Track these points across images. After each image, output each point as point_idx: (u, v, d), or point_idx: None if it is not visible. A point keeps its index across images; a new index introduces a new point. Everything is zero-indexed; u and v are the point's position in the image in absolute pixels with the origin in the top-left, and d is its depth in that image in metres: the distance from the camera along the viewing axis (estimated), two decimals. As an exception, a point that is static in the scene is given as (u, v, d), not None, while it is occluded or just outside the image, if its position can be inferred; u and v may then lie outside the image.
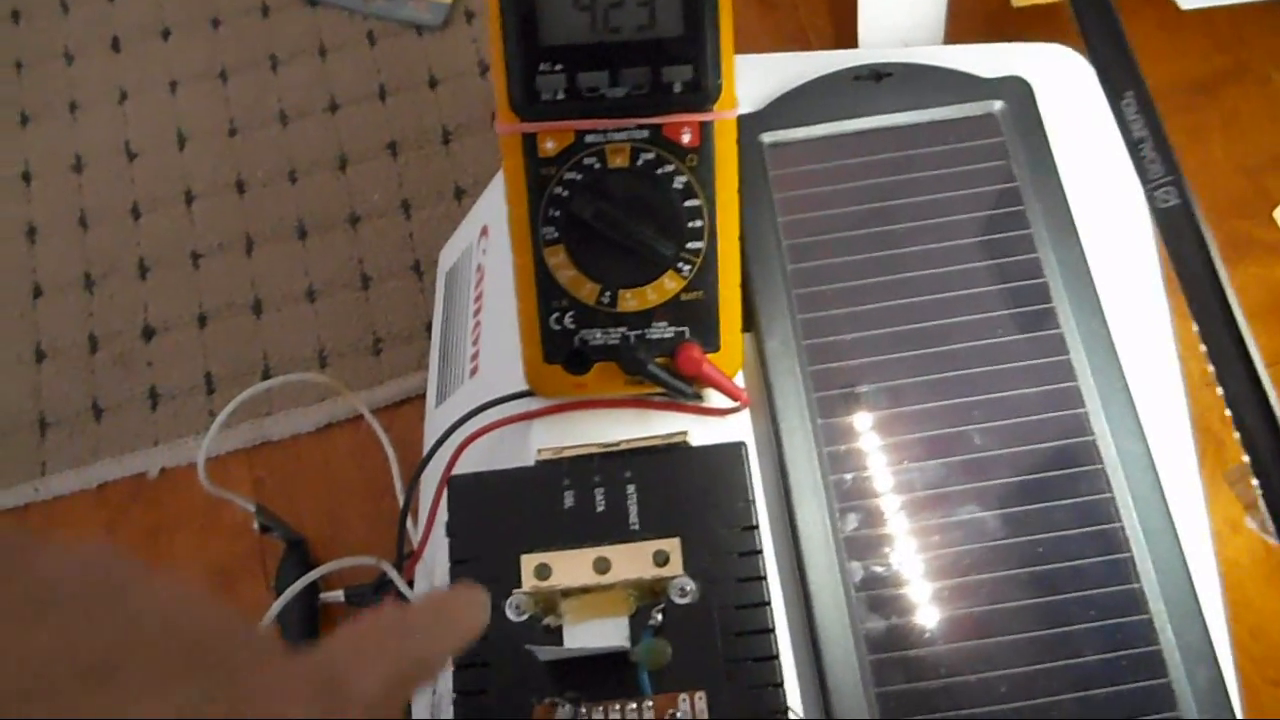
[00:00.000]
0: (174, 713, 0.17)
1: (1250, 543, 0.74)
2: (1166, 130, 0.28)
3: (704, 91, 0.44)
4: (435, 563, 0.59)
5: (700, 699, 0.38)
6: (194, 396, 0.99)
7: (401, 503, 0.61)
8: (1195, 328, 0.27)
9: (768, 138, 0.56)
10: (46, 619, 0.17)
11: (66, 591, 0.18)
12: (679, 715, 0.38)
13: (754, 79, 0.59)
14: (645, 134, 0.45)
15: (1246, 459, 0.26)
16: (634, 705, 0.38)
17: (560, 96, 0.44)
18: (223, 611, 0.20)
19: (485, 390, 0.53)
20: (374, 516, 0.92)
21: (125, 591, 0.19)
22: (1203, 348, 0.27)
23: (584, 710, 0.38)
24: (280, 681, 0.19)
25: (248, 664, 0.19)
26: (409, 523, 0.63)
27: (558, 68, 0.44)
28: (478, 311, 0.70)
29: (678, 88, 0.44)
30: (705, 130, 0.45)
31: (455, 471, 0.49)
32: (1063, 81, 0.59)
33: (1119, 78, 0.28)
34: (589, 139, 0.45)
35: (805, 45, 1.11)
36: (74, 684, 0.16)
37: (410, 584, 0.59)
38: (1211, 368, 0.27)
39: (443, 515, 0.48)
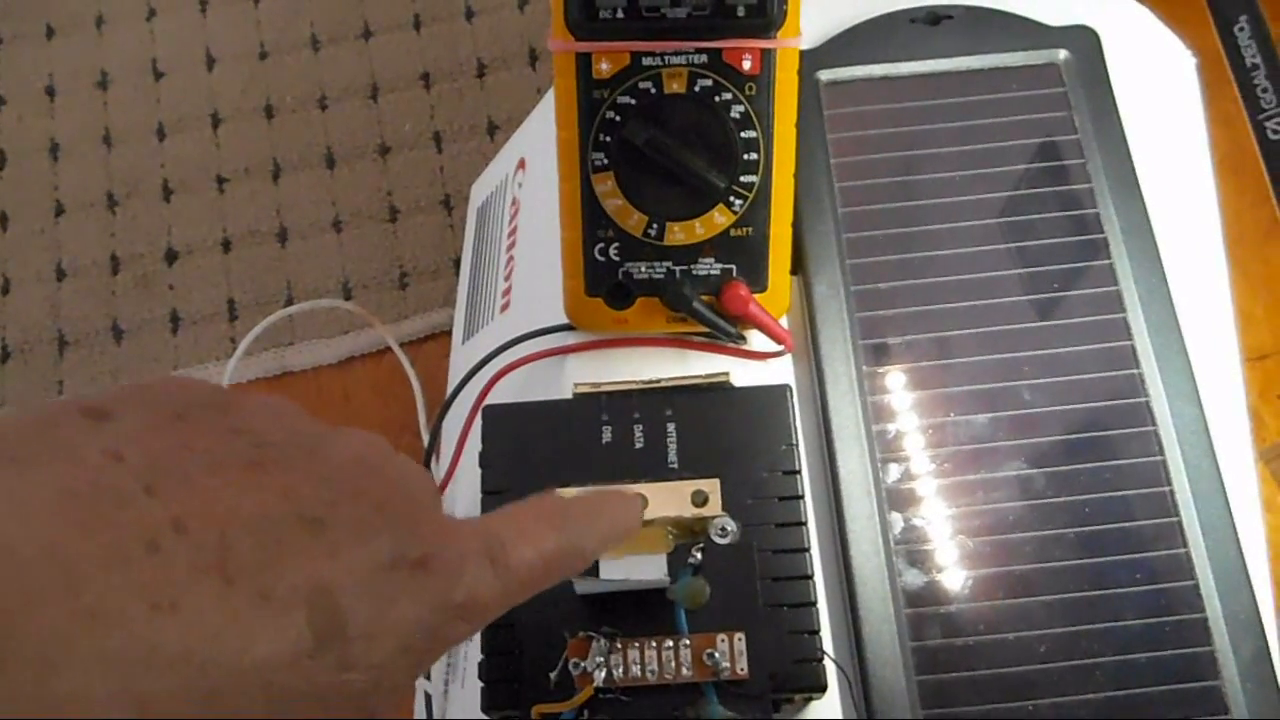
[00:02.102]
0: (377, 558, 0.19)
1: (1284, 521, 0.73)
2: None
3: (768, 16, 0.42)
4: (457, 499, 0.58)
5: (739, 639, 0.37)
6: (215, 322, 0.98)
7: (428, 435, 0.60)
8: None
9: (825, 75, 0.54)
10: (267, 470, 0.19)
11: (275, 444, 0.19)
12: (716, 654, 0.37)
13: (811, 15, 0.57)
14: (704, 59, 0.43)
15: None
16: (670, 643, 0.37)
17: (619, 15, 0.42)
18: (404, 464, 0.22)
19: (517, 326, 0.52)
20: (393, 452, 0.91)
21: (322, 444, 0.20)
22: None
23: (619, 646, 0.37)
24: (455, 538, 0.21)
25: (427, 517, 0.21)
26: (432, 461, 0.62)
27: (618, -16, 0.42)
28: (511, 246, 0.69)
29: (741, 11, 0.42)
30: (767, 58, 0.43)
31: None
32: (1129, 35, 0.57)
33: (1231, 1, 0.26)
34: (645, 62, 0.43)
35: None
36: (298, 530, 0.18)
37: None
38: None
39: (469, 452, 0.47)
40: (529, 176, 0.69)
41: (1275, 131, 0.23)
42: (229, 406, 0.20)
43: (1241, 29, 0.25)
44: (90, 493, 0.16)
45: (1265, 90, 0.23)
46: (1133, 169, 0.51)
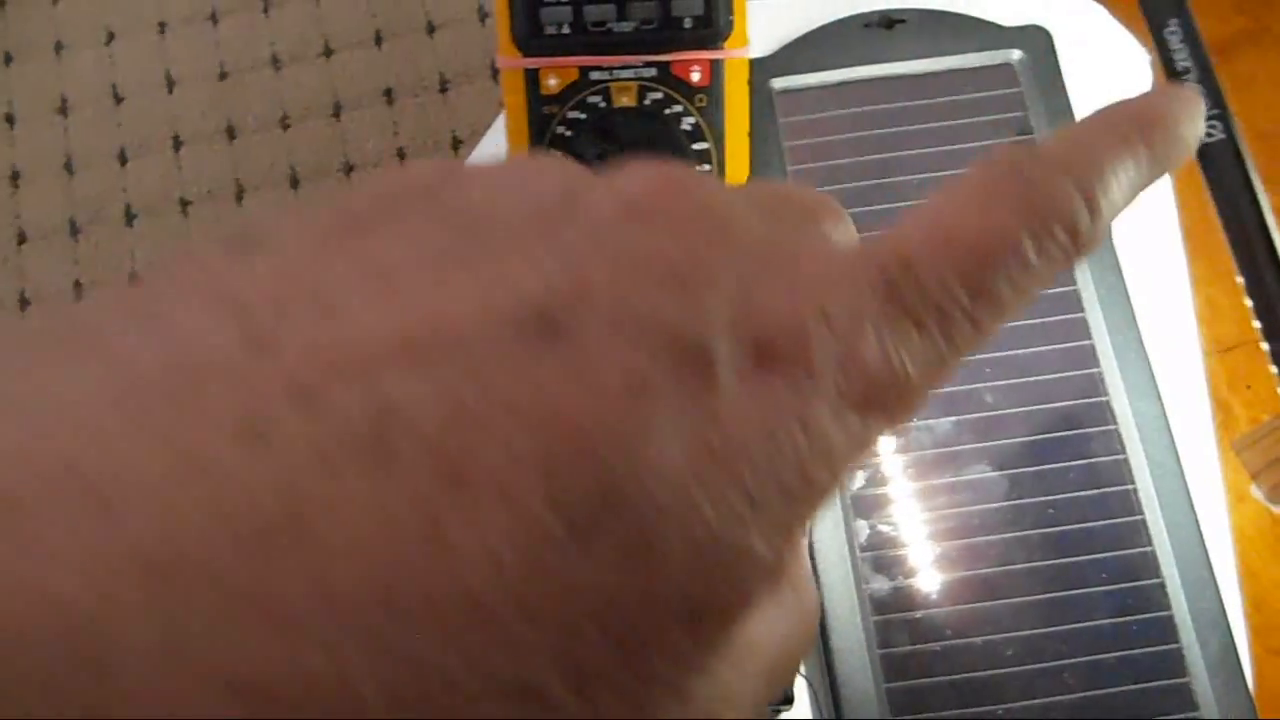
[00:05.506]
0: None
1: (1255, 512, 0.73)
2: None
3: (714, 28, 0.42)
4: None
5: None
6: (182, 346, 0.97)
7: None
8: (1236, 270, 0.26)
9: (778, 83, 0.54)
10: (471, 264, 0.12)
11: (496, 220, 0.13)
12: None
13: (764, 23, 0.57)
14: (653, 72, 0.43)
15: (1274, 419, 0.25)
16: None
17: (565, 30, 0.42)
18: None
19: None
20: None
21: (580, 196, 0.14)
22: (1247, 301, 0.26)
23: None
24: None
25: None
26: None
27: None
28: (474, 262, 0.69)
29: (687, 23, 0.42)
30: (715, 69, 0.43)
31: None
32: (1083, 33, 0.57)
33: (1162, 4, 0.26)
34: (594, 76, 0.43)
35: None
36: (516, 345, 0.12)
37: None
38: (1255, 321, 0.25)
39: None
40: (490, 192, 0.68)
41: (1209, 136, 0.23)
42: (439, 188, 0.14)
43: (1173, 32, 0.25)
44: (158, 373, 0.11)
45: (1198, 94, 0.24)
46: (1088, 168, 0.51)
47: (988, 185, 0.14)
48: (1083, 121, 0.16)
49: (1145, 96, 0.17)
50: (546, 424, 0.11)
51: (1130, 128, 0.16)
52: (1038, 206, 0.14)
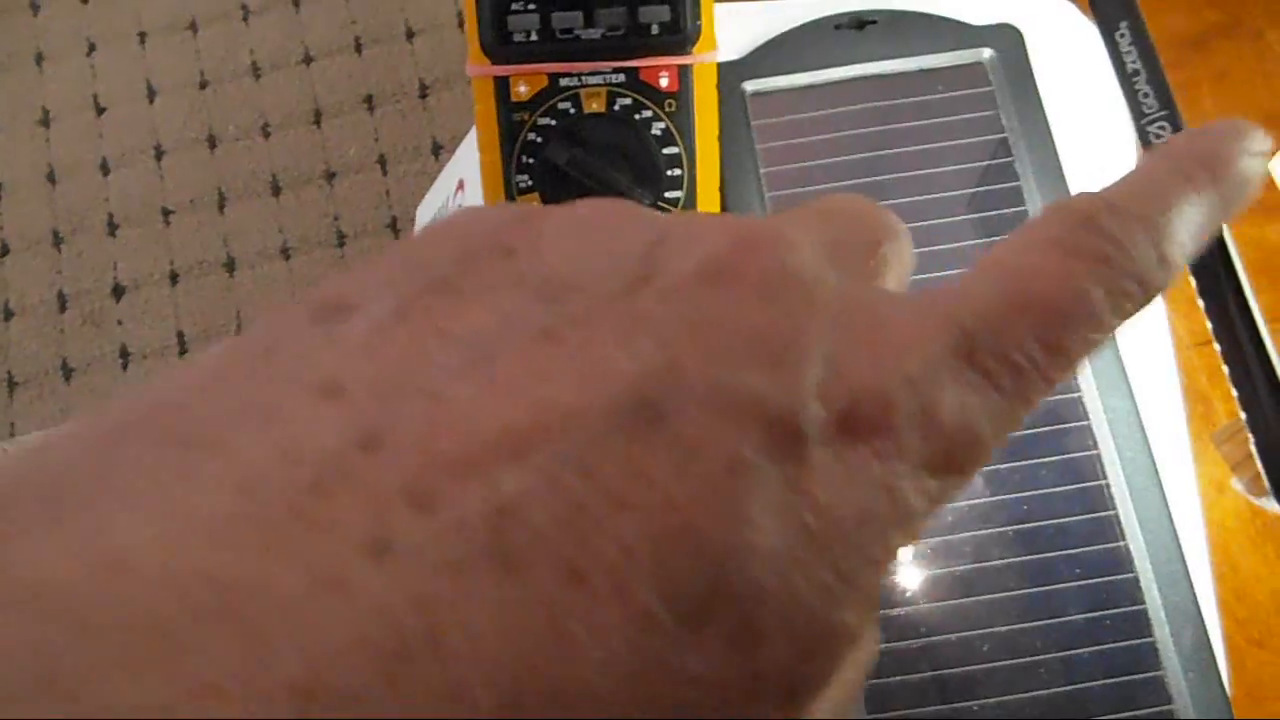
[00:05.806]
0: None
1: (1236, 504, 0.74)
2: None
3: (682, 33, 0.42)
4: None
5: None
6: (166, 356, 0.97)
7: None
8: (1189, 275, 0.26)
9: (750, 86, 0.54)
10: (562, 342, 0.13)
11: (580, 290, 0.13)
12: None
13: (736, 27, 0.57)
14: (622, 78, 0.43)
15: (1242, 415, 0.25)
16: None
17: (533, 38, 0.42)
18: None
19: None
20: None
21: (657, 264, 0.14)
22: (1200, 301, 0.26)
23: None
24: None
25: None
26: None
27: (530, 7, 0.42)
28: (453, 267, 0.69)
29: (655, 29, 0.42)
30: (684, 74, 0.43)
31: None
32: (1053, 30, 0.58)
33: (1113, 8, 0.26)
34: (563, 83, 0.43)
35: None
36: (618, 433, 0.12)
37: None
38: (1208, 322, 0.26)
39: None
40: (468, 198, 0.68)
41: (1158, 135, 0.23)
42: (516, 245, 0.14)
43: (1123, 35, 0.25)
44: (279, 479, 0.11)
45: (1147, 95, 0.24)
46: (1059, 166, 0.52)
47: (1063, 239, 0.14)
48: (1148, 162, 0.16)
49: (1210, 134, 0.17)
50: (653, 515, 0.11)
51: (1198, 170, 0.16)
52: (1114, 262, 0.14)
